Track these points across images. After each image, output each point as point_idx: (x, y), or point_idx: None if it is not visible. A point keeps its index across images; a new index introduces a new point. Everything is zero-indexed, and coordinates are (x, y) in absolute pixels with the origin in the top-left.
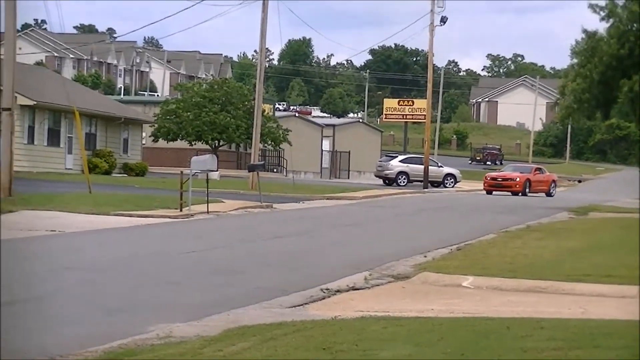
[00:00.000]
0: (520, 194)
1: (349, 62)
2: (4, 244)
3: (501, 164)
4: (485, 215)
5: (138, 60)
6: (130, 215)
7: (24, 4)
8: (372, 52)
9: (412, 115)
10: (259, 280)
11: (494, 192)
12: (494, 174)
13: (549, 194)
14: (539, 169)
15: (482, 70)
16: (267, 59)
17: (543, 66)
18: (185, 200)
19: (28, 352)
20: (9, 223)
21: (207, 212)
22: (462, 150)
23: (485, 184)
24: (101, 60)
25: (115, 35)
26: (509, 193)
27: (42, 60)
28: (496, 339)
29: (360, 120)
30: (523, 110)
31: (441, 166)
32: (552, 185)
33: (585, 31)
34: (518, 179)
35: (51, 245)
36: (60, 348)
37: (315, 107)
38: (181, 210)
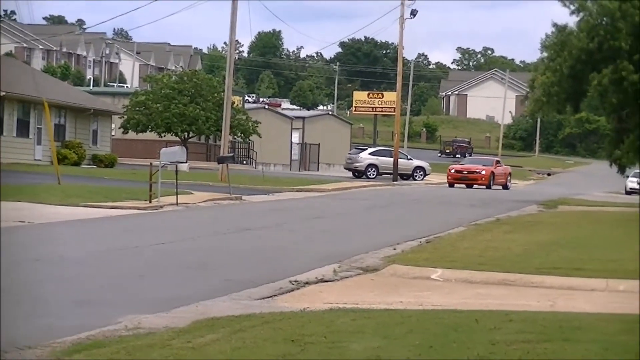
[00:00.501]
0: (485, 187)
1: (319, 54)
2: None
3: (470, 156)
4: (454, 208)
5: (107, 52)
6: (100, 207)
7: None
8: (342, 44)
9: (382, 108)
10: (228, 273)
11: (456, 185)
12: (458, 166)
13: (505, 187)
14: (498, 162)
15: (452, 63)
16: (237, 51)
17: (513, 60)
18: (154, 192)
19: None
20: None
21: (177, 203)
22: (432, 143)
23: (450, 177)
24: (70, 51)
25: (84, 27)
26: (473, 186)
27: (11, 51)
28: (465, 331)
29: (330, 113)
30: (493, 103)
31: (411, 159)
32: (509, 178)
33: (555, 25)
34: (484, 172)
35: (20, 236)
36: (28, 339)
37: (285, 100)
38: (150, 202)
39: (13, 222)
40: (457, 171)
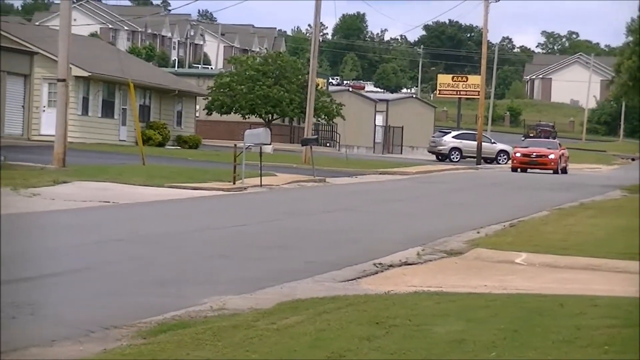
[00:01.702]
0: (552, 172)
1: (403, 37)
2: (57, 215)
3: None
4: (538, 192)
5: (192, 33)
6: (184, 188)
7: None
8: (426, 27)
9: (466, 91)
10: (310, 254)
11: (521, 170)
12: (524, 149)
13: (564, 171)
14: (560, 144)
15: (537, 47)
16: (321, 34)
17: (598, 44)
18: (238, 173)
19: (79, 323)
20: (63, 194)
21: (260, 185)
22: (515, 127)
23: (515, 161)
24: (155, 32)
25: (169, 8)
26: (541, 171)
27: (96, 32)
28: (550, 316)
29: (414, 96)
30: (577, 87)
31: (494, 142)
32: (567, 162)
33: None
34: (553, 156)
35: (104, 216)
36: (113, 319)
37: (368, 82)
38: (234, 183)
39: (98, 202)
40: (524, 155)
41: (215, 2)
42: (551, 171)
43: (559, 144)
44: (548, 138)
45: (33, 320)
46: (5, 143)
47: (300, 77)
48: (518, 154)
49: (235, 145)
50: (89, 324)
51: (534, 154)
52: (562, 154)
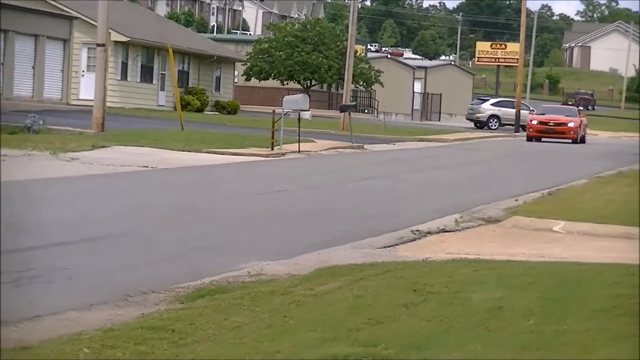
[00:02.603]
0: (572, 141)
1: (442, 4)
2: (95, 179)
3: (593, 109)
4: (576, 160)
5: None
6: (222, 153)
7: None
8: None
9: (505, 58)
10: (348, 221)
11: (536, 140)
12: (540, 116)
13: (583, 140)
14: (580, 111)
15: (576, 15)
16: (360, 0)
17: (637, 12)
18: (276, 139)
19: (117, 288)
20: (102, 159)
21: (298, 151)
22: (554, 95)
23: (531, 129)
24: None
25: None
26: (559, 140)
27: None
28: (587, 284)
29: (452, 63)
30: (616, 56)
31: (533, 110)
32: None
33: None
34: (572, 124)
35: (142, 181)
36: (151, 284)
37: (407, 49)
38: (272, 149)
39: (136, 167)
40: (541, 122)
41: None
42: (570, 140)
43: (578, 111)
44: (587, 106)
45: (71, 285)
46: (45, 107)
47: (338, 43)
48: (534, 122)
49: (273, 111)
50: (127, 289)
51: (552, 122)
52: (582, 122)
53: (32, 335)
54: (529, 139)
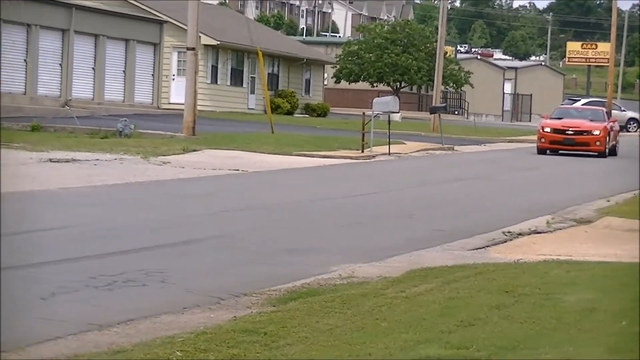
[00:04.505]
0: (598, 155)
1: (532, 4)
2: (186, 183)
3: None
4: None
5: (320, 1)
6: (312, 156)
7: None
8: None
9: (595, 58)
10: (438, 222)
11: (551, 152)
12: (554, 122)
13: (613, 152)
14: (609, 113)
15: None
16: (450, 1)
17: None
18: (366, 141)
19: (209, 291)
20: (193, 162)
21: (389, 153)
22: None
23: (544, 139)
24: (284, 1)
25: None
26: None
27: (225, 0)
28: None
29: (543, 64)
30: None
31: (624, 110)
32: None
33: None
34: (598, 132)
35: (233, 184)
36: (243, 287)
37: (497, 50)
38: (362, 151)
39: (227, 171)
40: (556, 130)
41: None
42: (595, 153)
43: (607, 113)
44: None
45: (164, 288)
46: (135, 111)
47: (428, 44)
48: (547, 129)
49: (363, 113)
50: (219, 292)
51: (571, 129)
52: (612, 128)
53: (126, 339)
54: (540, 151)
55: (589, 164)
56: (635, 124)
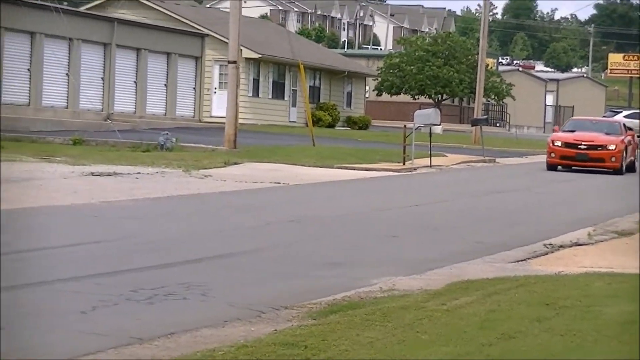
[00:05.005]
0: (614, 172)
1: (573, 16)
2: (228, 196)
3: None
4: None
5: (362, 14)
6: (353, 168)
7: None
8: (597, 6)
9: (637, 70)
10: (479, 235)
11: (564, 168)
12: (566, 135)
13: (631, 168)
14: (625, 125)
15: None
16: (491, 13)
17: None
18: (408, 154)
19: (250, 304)
20: (234, 175)
21: (430, 165)
22: None
23: (554, 154)
24: (325, 14)
25: None
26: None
27: (266, 13)
28: None
29: (585, 75)
30: None
31: None
32: (637, 153)
33: None
34: (613, 147)
35: (274, 197)
36: (283, 300)
37: (538, 62)
38: (404, 164)
39: (268, 184)
40: (567, 144)
41: None
42: (611, 170)
43: (624, 126)
44: None
45: (204, 301)
46: (177, 125)
47: (469, 57)
48: (558, 143)
49: (404, 125)
50: (260, 305)
51: (584, 143)
52: (631, 142)
53: (166, 352)
54: (550, 167)
55: (624, 177)
56: None
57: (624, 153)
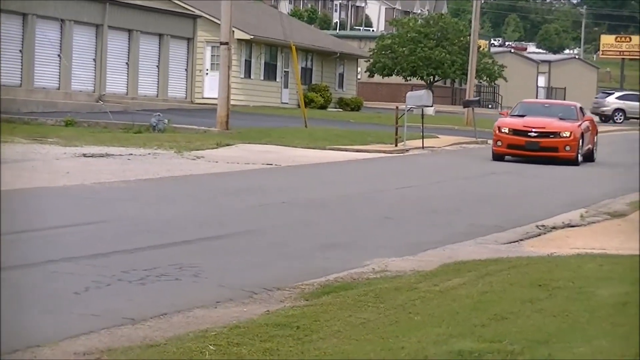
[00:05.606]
0: (570, 162)
1: None
2: (220, 178)
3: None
4: None
5: None
6: (346, 150)
7: None
8: None
9: (630, 52)
10: (472, 217)
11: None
12: (515, 120)
13: (590, 158)
14: (582, 109)
15: None
16: None
17: None
18: (400, 136)
19: (242, 286)
20: (226, 157)
21: (422, 147)
22: None
23: (500, 142)
24: None
25: None
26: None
27: None
28: None
29: (576, 57)
30: None
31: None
32: (596, 140)
33: None
34: (568, 134)
35: (267, 179)
36: (276, 282)
37: (530, 43)
38: (396, 146)
39: (261, 165)
40: (515, 131)
41: None
42: (565, 160)
43: (580, 109)
44: None
45: (197, 282)
46: (169, 106)
47: (462, 38)
48: (505, 130)
49: (397, 107)
50: (252, 286)
51: (534, 130)
52: (589, 128)
53: (159, 333)
54: (496, 157)
55: (625, 157)
56: (621, 115)
57: (581, 141)
